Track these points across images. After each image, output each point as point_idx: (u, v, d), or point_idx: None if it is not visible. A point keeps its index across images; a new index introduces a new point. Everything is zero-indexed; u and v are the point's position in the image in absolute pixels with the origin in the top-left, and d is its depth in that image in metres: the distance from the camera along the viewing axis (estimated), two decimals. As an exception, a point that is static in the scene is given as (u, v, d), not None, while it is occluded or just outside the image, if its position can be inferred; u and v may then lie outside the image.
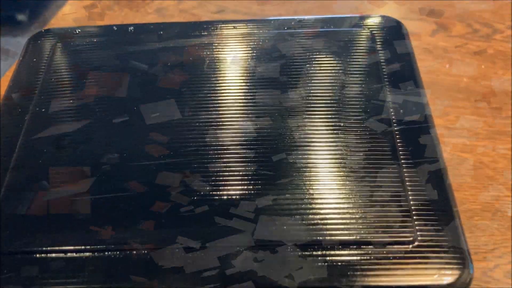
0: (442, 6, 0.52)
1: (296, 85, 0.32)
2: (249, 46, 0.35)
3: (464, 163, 0.39)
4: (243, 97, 0.32)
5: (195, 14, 0.53)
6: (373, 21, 0.37)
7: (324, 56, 0.35)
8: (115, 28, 0.38)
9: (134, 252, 0.25)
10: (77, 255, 0.25)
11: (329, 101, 0.31)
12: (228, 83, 0.33)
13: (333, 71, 0.33)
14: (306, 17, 0.39)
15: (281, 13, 0.52)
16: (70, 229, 0.27)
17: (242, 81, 0.33)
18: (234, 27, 0.37)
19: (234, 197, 0.27)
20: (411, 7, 0.52)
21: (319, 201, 0.26)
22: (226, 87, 0.33)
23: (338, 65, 0.34)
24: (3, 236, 0.26)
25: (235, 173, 0.27)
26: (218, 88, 0.32)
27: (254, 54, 0.35)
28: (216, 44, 0.36)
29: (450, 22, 0.51)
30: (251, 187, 0.27)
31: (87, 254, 0.25)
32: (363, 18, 0.38)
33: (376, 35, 0.36)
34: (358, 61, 0.34)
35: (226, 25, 0.37)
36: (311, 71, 0.33)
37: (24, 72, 0.35)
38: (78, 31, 0.38)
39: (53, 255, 0.26)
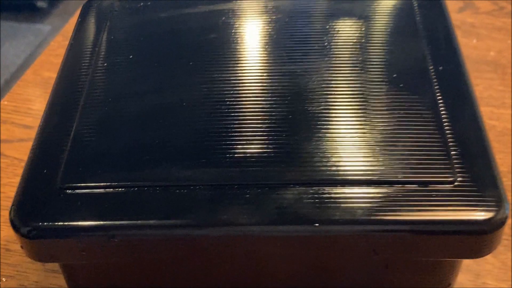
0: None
1: (336, 46, 0.34)
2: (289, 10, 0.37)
3: (492, 130, 0.41)
4: (286, 60, 0.33)
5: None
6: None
7: (363, 22, 0.36)
8: None
9: (198, 188, 0.26)
10: (142, 189, 0.27)
11: (368, 56, 0.33)
12: (265, 44, 0.35)
13: (372, 36, 0.34)
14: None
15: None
16: (136, 165, 0.28)
17: (281, 44, 0.34)
18: None
19: (284, 141, 0.28)
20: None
21: (359, 139, 0.28)
22: (264, 50, 0.34)
23: (376, 31, 0.35)
24: (65, 171, 0.28)
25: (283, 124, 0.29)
26: (258, 50, 0.34)
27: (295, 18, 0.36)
28: (256, 9, 0.37)
29: (476, 0, 0.52)
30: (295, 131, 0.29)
31: (151, 189, 0.27)
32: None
33: (416, 7, 0.36)
34: (398, 31, 0.35)
35: None
36: (349, 36, 0.34)
37: (83, 35, 0.37)
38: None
39: (117, 190, 0.27)
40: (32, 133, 0.42)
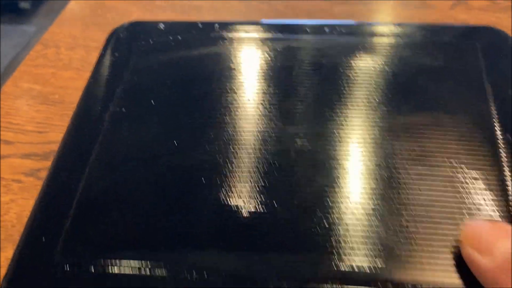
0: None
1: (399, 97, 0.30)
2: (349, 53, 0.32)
3: None
4: (351, 108, 0.29)
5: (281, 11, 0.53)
6: (478, 32, 0.34)
7: (426, 68, 0.32)
8: (200, 25, 0.37)
9: (212, 277, 0.23)
10: (148, 275, 0.24)
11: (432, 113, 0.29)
12: (327, 91, 0.31)
13: (435, 86, 0.30)
14: (405, 23, 0.35)
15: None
16: (144, 245, 0.25)
17: (347, 93, 0.30)
18: (324, 31, 0.34)
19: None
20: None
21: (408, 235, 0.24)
22: (331, 95, 0.30)
23: (441, 81, 0.31)
24: (65, 244, 0.26)
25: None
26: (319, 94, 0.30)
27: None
28: (297, 49, 0.33)
29: (469, -5, 0.51)
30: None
31: (158, 276, 0.24)
32: (467, 28, 0.35)
33: (481, 48, 0.32)
34: (461, 76, 0.31)
35: (313, 27, 0.34)
36: (411, 84, 0.31)
37: (106, 66, 0.34)
38: (162, 27, 0.36)
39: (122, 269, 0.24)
40: (13, 149, 0.40)
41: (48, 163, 0.30)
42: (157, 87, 0.32)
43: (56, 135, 0.41)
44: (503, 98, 0.29)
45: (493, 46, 0.33)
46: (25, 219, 0.28)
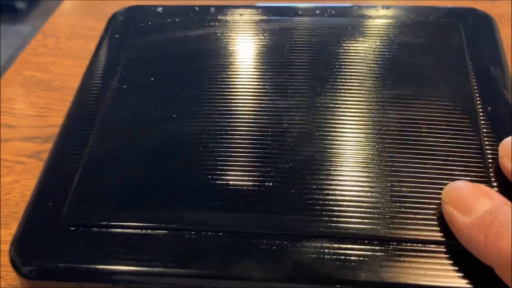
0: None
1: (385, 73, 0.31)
2: (330, 34, 0.34)
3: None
4: (338, 85, 0.31)
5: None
6: (461, 13, 0.35)
7: (411, 46, 0.33)
8: (196, 8, 0.38)
9: (211, 234, 0.25)
10: (150, 232, 0.25)
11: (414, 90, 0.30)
12: (316, 68, 0.32)
13: (419, 62, 0.32)
14: (390, 5, 0.37)
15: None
16: (147, 205, 0.26)
17: (333, 69, 0.32)
18: (316, 13, 0.36)
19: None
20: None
21: (394, 191, 0.26)
22: (315, 72, 0.31)
23: (425, 57, 0.32)
24: (71, 206, 0.27)
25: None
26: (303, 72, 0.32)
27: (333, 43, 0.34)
28: (289, 29, 0.35)
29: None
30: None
31: (161, 232, 0.25)
32: (450, 10, 0.36)
33: (464, 28, 0.34)
34: (446, 55, 0.32)
35: (305, 9, 0.36)
36: (397, 60, 0.32)
37: (106, 47, 0.36)
38: (160, 10, 0.38)
39: (127, 230, 0.26)
40: (15, 133, 0.41)
41: (49, 146, 0.32)
42: (155, 64, 0.34)
43: (56, 119, 0.42)
44: (482, 72, 0.31)
45: (475, 25, 0.35)
46: (28, 198, 0.30)
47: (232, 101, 0.30)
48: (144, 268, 0.24)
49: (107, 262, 0.25)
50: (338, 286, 0.23)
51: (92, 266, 0.25)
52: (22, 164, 0.39)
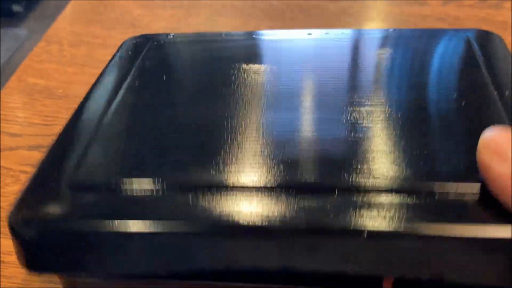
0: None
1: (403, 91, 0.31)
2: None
3: None
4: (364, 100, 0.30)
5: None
6: (470, 34, 0.35)
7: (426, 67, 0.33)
8: (207, 35, 0.39)
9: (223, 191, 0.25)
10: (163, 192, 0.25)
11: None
12: (342, 92, 0.32)
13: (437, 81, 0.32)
14: (401, 28, 0.38)
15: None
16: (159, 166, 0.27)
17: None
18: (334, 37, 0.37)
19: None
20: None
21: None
22: (337, 95, 0.31)
23: (441, 76, 0.32)
24: (76, 169, 0.26)
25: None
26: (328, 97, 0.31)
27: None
28: (311, 54, 0.36)
29: (460, -7, 0.53)
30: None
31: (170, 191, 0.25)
32: (458, 31, 0.36)
33: (474, 48, 0.34)
34: (460, 75, 0.32)
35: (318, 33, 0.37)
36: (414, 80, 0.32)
37: (114, 73, 0.35)
38: (172, 36, 0.39)
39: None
40: (21, 141, 0.41)
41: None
42: (169, 71, 0.35)
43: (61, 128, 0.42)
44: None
45: (485, 42, 0.35)
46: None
47: (245, 129, 0.30)
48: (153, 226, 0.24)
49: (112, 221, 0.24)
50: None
51: (97, 227, 0.24)
52: (27, 174, 0.39)
